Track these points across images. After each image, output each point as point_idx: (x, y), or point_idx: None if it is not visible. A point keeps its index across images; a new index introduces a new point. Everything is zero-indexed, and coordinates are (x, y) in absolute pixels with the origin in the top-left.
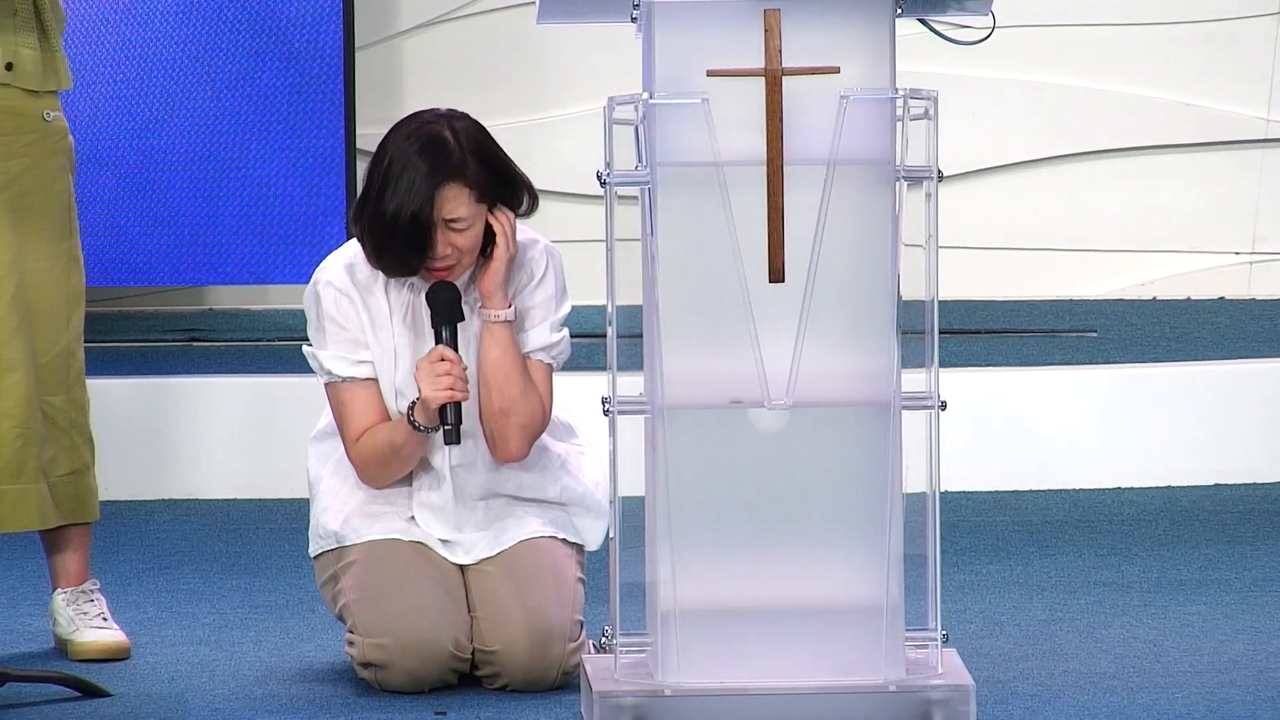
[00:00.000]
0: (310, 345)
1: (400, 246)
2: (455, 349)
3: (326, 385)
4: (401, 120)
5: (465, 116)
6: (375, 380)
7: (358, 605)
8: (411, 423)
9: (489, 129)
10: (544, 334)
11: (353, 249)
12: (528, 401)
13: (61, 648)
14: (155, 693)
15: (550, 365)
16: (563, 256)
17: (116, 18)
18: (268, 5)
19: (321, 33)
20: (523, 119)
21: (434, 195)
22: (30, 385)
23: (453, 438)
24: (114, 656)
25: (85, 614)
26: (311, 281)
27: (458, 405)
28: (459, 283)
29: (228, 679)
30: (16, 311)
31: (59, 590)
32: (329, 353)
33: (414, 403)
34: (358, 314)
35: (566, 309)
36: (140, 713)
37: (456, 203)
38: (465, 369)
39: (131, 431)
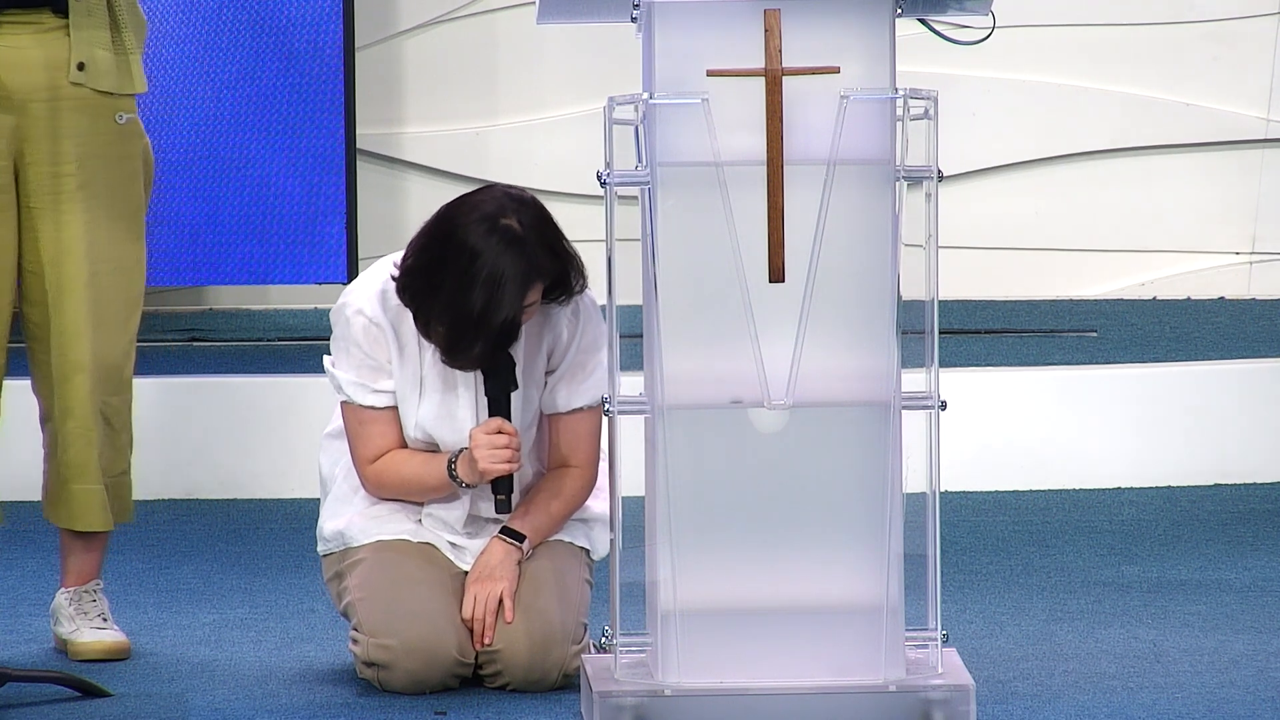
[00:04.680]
0: (331, 358)
1: (485, 344)
2: (509, 418)
3: (343, 402)
4: (467, 205)
5: (524, 200)
6: (393, 408)
7: (363, 604)
8: (452, 474)
9: (490, 130)
10: (598, 386)
11: (382, 275)
12: (577, 504)
13: (62, 647)
14: (155, 693)
15: (601, 407)
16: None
17: None
18: (268, 5)
19: (321, 33)
20: (523, 119)
21: (524, 299)
22: (92, 386)
23: (505, 507)
24: (114, 657)
25: (86, 614)
26: (340, 304)
27: (510, 476)
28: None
29: (228, 679)
30: (85, 311)
31: (62, 590)
32: (350, 377)
33: (459, 453)
34: (386, 345)
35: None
36: (140, 713)
37: (533, 292)
38: (519, 440)
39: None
